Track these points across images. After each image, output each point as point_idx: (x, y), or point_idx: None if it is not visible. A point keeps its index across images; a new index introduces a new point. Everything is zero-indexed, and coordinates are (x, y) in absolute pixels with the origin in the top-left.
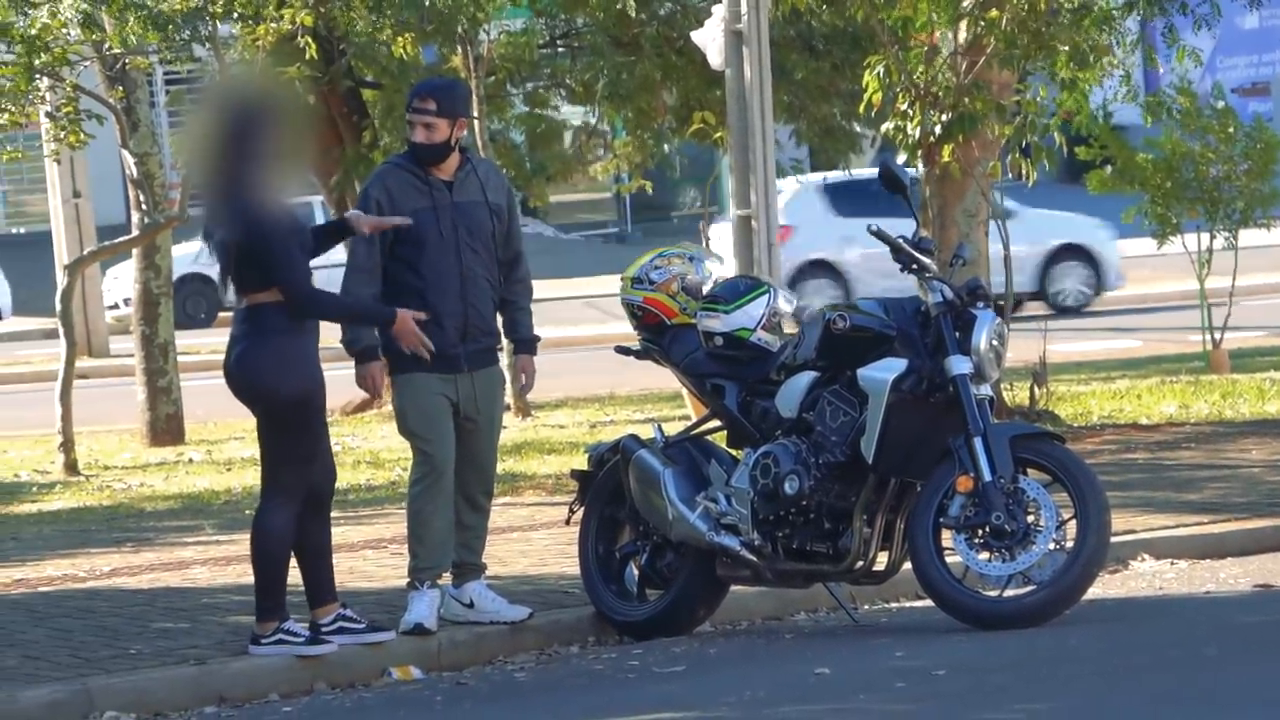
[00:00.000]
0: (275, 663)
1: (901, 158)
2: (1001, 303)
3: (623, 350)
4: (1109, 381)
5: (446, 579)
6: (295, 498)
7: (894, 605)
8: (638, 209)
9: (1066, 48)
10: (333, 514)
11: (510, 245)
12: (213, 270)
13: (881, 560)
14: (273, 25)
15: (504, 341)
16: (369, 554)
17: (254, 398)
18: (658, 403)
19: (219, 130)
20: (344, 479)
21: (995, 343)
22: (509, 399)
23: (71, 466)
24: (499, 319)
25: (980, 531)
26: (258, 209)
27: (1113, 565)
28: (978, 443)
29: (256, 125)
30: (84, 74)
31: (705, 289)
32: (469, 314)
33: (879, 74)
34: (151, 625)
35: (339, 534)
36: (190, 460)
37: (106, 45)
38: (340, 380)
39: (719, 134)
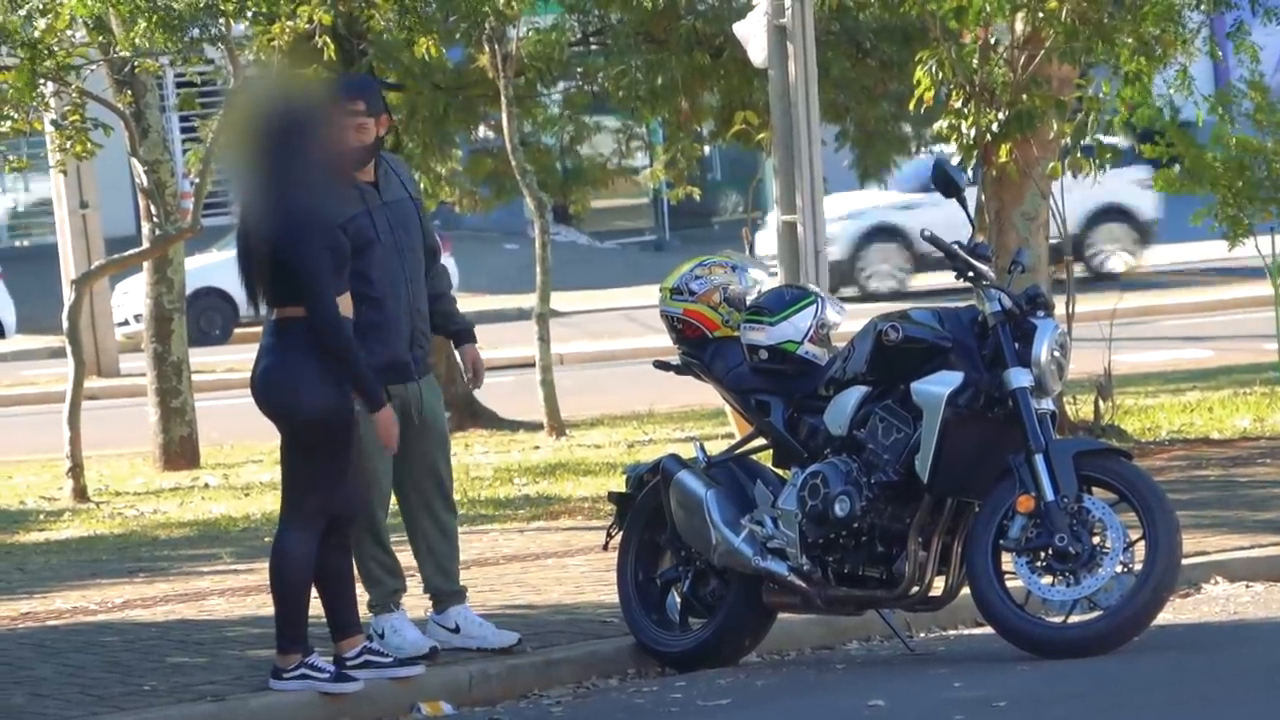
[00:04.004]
0: (297, 699)
1: (956, 158)
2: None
3: (662, 365)
4: (1178, 394)
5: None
6: (315, 524)
7: (951, 633)
8: (676, 215)
9: (1130, 40)
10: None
11: (429, 237)
12: (235, 282)
13: (938, 585)
14: (289, 24)
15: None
16: None
17: (277, 415)
18: (699, 420)
19: (263, 133)
20: None
21: (1057, 354)
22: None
23: (80, 493)
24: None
25: (1043, 554)
26: (296, 217)
27: (1184, 589)
28: (1039, 460)
29: (302, 129)
30: (90, 78)
31: (749, 299)
32: (415, 319)
33: (931, 70)
34: (166, 660)
35: None
36: (206, 485)
37: (114, 48)
38: None
39: (762, 135)
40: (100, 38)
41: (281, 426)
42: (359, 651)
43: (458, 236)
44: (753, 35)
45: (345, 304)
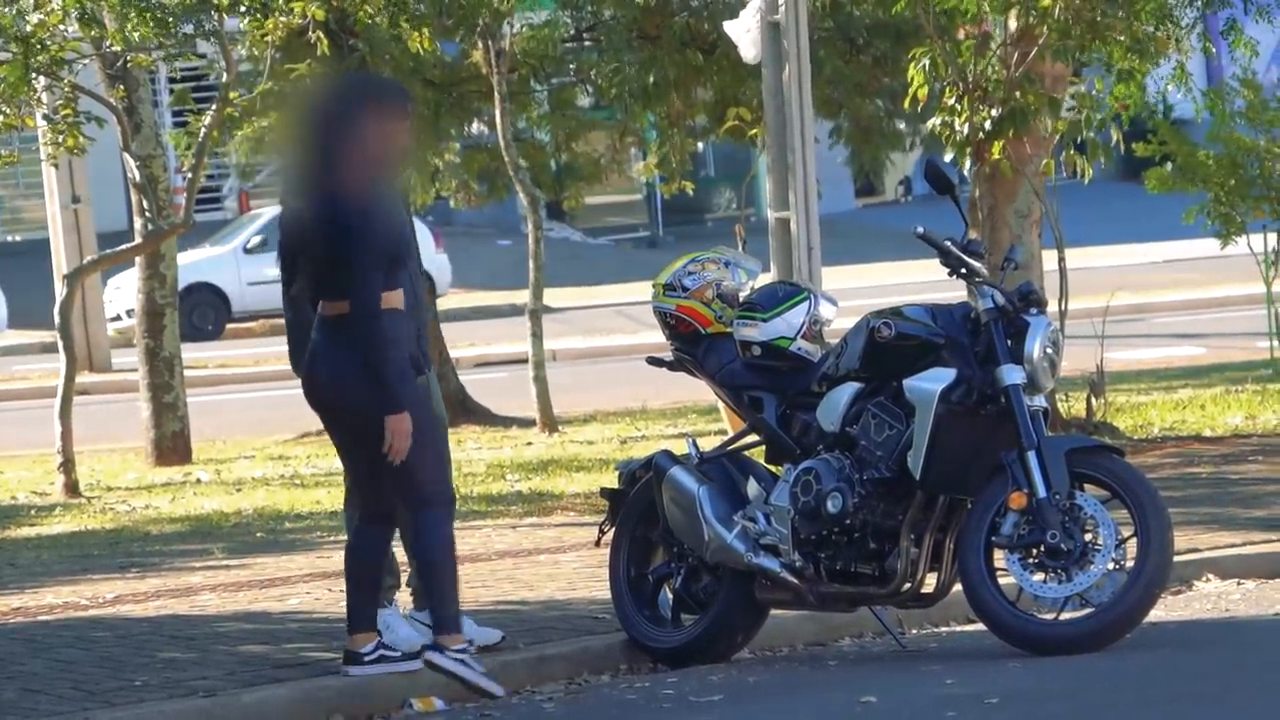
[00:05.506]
0: (289, 693)
1: (949, 155)
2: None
3: (655, 361)
4: (1170, 391)
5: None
6: (439, 504)
7: (943, 630)
8: (669, 211)
9: (1123, 38)
10: (307, 539)
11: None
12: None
13: (930, 582)
14: (282, 20)
15: None
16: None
17: (356, 414)
18: (692, 416)
19: (323, 123)
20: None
21: (1050, 351)
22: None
23: (72, 488)
24: None
25: (1035, 551)
26: (358, 210)
27: (1175, 586)
28: (1031, 457)
29: (374, 122)
30: (83, 73)
31: (742, 296)
32: (419, 311)
33: (924, 67)
34: (158, 655)
35: (329, 563)
36: (198, 480)
37: (107, 42)
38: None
39: (755, 132)
40: (93, 32)
41: (368, 426)
42: (375, 646)
43: (451, 233)
44: (743, 33)
45: (398, 299)
